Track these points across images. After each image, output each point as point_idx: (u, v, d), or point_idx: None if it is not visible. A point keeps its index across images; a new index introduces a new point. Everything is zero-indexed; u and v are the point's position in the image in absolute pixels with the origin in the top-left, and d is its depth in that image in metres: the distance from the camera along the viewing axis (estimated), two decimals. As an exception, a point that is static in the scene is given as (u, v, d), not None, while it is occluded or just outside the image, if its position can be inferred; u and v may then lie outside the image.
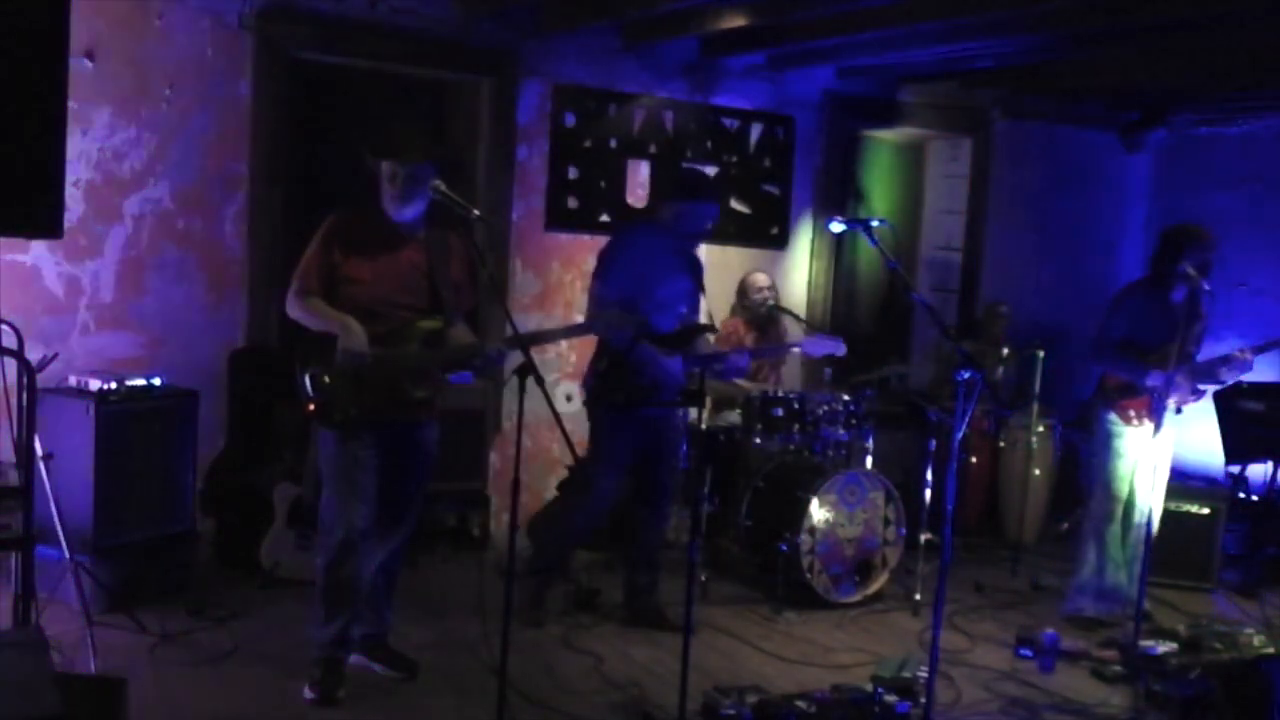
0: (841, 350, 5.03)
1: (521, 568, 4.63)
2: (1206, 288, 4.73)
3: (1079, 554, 5.15)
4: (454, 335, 3.93)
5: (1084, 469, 5.67)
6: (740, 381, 5.60)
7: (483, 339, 4.11)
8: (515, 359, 3.34)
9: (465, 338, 3.96)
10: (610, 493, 4.67)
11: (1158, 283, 4.95)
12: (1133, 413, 4.93)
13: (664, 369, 4.50)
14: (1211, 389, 5.12)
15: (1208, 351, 5.11)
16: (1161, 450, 4.80)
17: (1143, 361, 4.85)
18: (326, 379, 3.70)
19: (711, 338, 5.32)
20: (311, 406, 3.71)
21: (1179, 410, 4.85)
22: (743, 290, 6.01)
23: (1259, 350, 4.92)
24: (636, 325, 4.15)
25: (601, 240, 6.11)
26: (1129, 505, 5.02)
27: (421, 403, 3.90)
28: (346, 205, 3.91)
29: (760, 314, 5.95)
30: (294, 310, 3.81)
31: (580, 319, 6.14)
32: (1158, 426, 4.67)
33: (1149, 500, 4.86)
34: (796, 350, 5.74)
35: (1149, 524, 4.74)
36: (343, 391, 3.70)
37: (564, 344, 6.19)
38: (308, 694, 3.80)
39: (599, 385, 4.57)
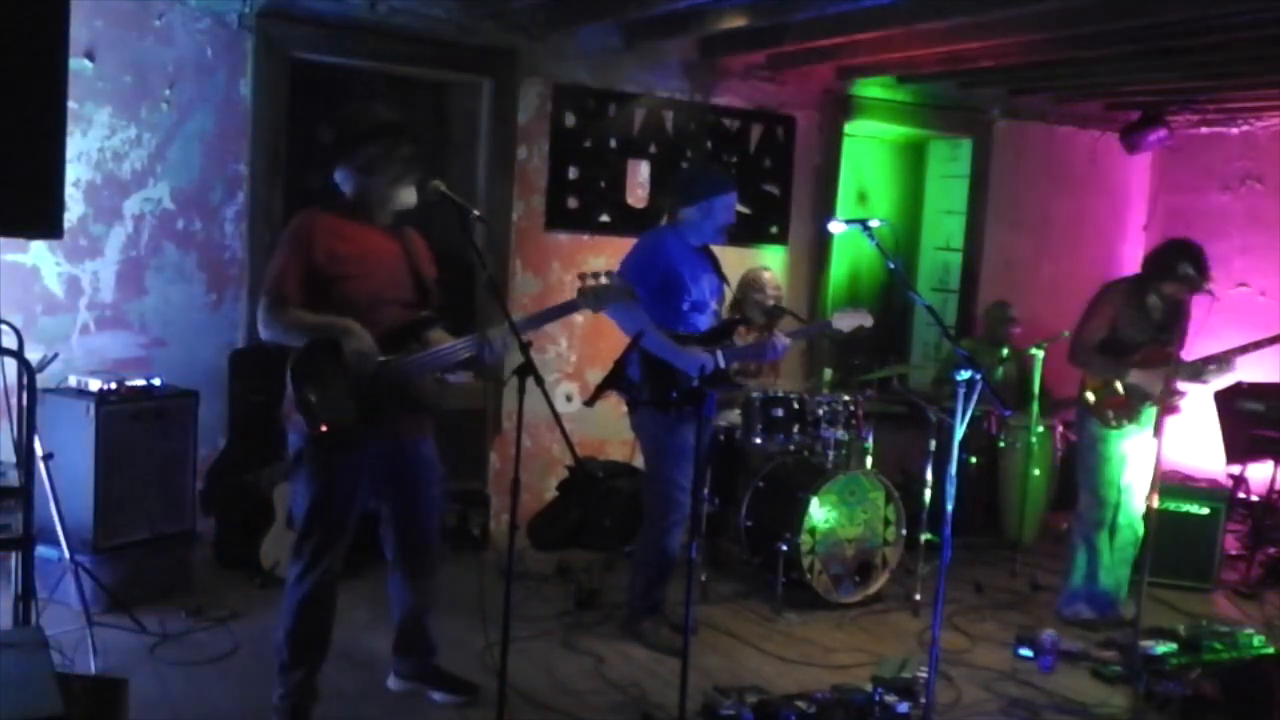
0: (869, 321, 4.88)
1: (628, 613, 4.60)
2: (1211, 289, 4.71)
3: (1069, 559, 5.14)
4: (437, 338, 3.57)
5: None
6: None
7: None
8: (514, 358, 3.26)
9: (446, 340, 3.57)
10: (688, 499, 4.42)
11: (1140, 284, 4.91)
12: (1111, 414, 4.89)
13: (684, 359, 4.32)
14: (1195, 388, 5.02)
15: (1204, 352, 5.09)
16: (1153, 449, 4.74)
17: (1120, 362, 4.83)
18: (330, 398, 3.31)
19: (743, 329, 5.26)
20: (324, 428, 3.31)
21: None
22: (748, 287, 5.72)
23: (1242, 351, 4.81)
24: (631, 294, 3.82)
25: (602, 240, 6.19)
26: (1119, 507, 5.00)
27: (429, 412, 3.65)
28: (316, 204, 3.55)
29: (766, 311, 5.77)
30: (272, 328, 3.39)
31: (580, 317, 6.17)
32: (1157, 428, 4.66)
33: (1143, 501, 4.83)
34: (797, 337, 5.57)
35: (1145, 525, 4.73)
36: (349, 407, 3.32)
37: (564, 344, 6.19)
38: None
39: (648, 389, 4.33)
